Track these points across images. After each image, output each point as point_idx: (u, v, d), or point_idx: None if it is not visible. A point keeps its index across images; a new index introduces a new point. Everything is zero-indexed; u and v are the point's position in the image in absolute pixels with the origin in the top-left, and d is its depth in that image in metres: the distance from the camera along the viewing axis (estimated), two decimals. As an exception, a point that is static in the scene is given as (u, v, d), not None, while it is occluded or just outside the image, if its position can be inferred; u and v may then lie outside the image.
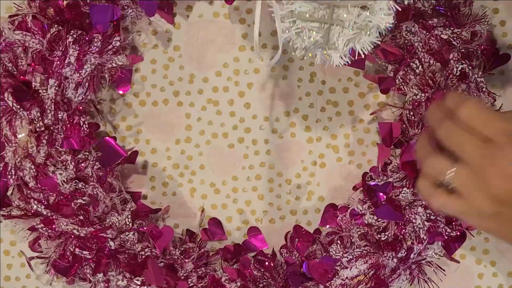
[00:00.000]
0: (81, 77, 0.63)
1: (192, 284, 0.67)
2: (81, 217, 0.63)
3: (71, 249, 0.64)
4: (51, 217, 0.63)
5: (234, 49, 0.72)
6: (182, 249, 0.69)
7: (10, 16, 0.64)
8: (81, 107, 0.65)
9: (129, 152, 0.71)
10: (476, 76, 0.65)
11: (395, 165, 0.67)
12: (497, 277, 0.75)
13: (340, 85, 0.72)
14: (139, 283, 0.65)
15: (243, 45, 0.72)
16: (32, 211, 0.63)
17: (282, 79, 0.73)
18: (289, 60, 0.72)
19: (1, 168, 0.65)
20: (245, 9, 0.71)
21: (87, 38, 0.63)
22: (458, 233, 0.67)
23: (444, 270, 0.70)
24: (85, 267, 0.64)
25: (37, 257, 0.67)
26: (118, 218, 0.66)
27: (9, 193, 0.65)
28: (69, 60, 0.62)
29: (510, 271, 0.75)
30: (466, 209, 0.53)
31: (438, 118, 0.55)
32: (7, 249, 0.73)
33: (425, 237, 0.66)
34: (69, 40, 0.62)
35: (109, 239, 0.64)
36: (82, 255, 0.64)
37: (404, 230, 0.66)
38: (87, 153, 0.66)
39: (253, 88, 0.73)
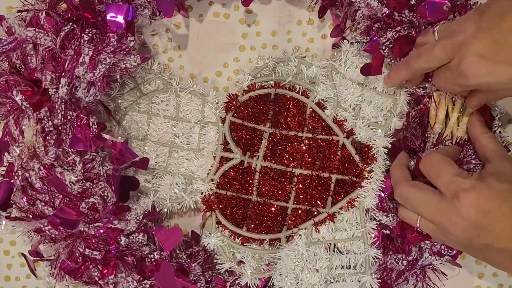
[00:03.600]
0: (94, 77, 0.63)
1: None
2: (91, 217, 0.64)
3: (80, 250, 0.65)
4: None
5: (234, 49, 0.75)
6: (189, 252, 0.71)
7: (18, 11, 0.64)
8: (88, 107, 0.66)
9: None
10: None
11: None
12: (497, 277, 0.77)
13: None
14: (148, 286, 0.66)
15: (243, 45, 0.75)
16: (37, 213, 0.64)
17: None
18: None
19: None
20: (245, 9, 0.74)
21: (101, 37, 0.63)
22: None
23: (446, 275, 0.73)
24: (92, 269, 0.65)
25: (42, 259, 0.67)
26: (136, 212, 0.67)
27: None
28: (83, 59, 0.62)
29: (509, 271, 0.77)
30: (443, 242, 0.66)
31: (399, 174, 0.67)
32: (7, 249, 0.75)
33: (428, 256, 0.70)
34: (84, 38, 0.62)
35: (121, 236, 0.65)
36: (92, 255, 0.64)
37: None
38: (94, 154, 0.66)
39: (253, 88, 0.75)
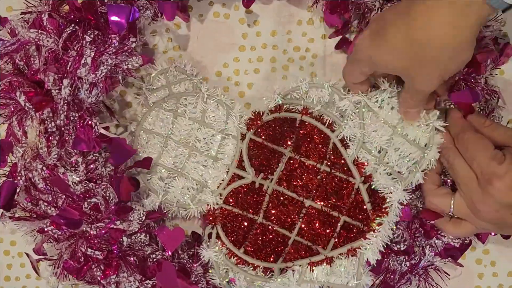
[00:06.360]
0: (96, 78, 0.64)
1: (202, 288, 0.70)
2: (93, 217, 0.65)
3: (83, 250, 0.66)
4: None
5: (234, 49, 0.76)
6: (191, 253, 0.72)
7: (22, 13, 0.66)
8: (91, 108, 0.67)
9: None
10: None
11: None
12: (497, 277, 0.79)
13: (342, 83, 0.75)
14: (149, 286, 0.68)
15: (243, 45, 0.76)
16: (40, 213, 0.65)
17: (282, 79, 0.76)
18: (289, 60, 0.76)
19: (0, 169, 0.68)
20: (245, 9, 0.75)
21: (103, 39, 0.65)
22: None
23: (448, 275, 0.74)
24: (94, 269, 0.66)
25: (45, 259, 0.68)
26: (140, 213, 0.67)
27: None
28: (85, 61, 0.63)
29: (510, 271, 0.79)
30: (474, 230, 0.68)
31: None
32: (7, 249, 0.77)
33: (430, 254, 0.72)
34: (86, 40, 0.63)
35: (123, 236, 0.66)
36: (94, 255, 0.66)
37: (415, 242, 0.71)
38: (97, 154, 0.67)
39: (253, 88, 0.76)
